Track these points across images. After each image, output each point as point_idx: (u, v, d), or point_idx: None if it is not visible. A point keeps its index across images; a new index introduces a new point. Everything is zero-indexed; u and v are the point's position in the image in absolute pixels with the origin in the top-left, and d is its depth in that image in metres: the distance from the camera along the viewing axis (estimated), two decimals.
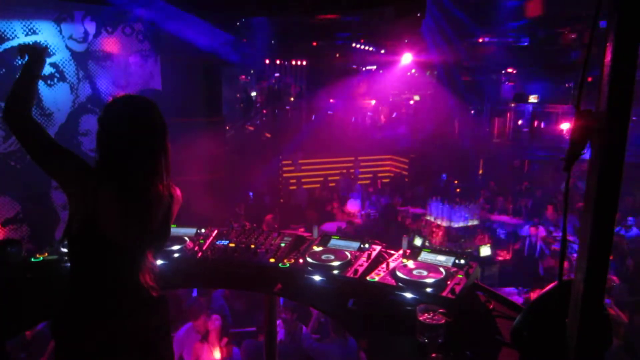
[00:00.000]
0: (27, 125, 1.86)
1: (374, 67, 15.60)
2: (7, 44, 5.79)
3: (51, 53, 6.09)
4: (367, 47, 14.68)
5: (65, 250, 2.53)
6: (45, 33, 6.01)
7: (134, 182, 1.85)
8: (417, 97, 16.19)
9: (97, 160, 1.85)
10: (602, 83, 1.26)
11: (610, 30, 1.22)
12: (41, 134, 1.85)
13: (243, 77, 15.11)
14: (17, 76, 1.98)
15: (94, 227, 1.80)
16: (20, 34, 5.84)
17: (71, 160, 1.81)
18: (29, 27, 5.89)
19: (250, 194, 10.97)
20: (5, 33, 5.75)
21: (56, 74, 6.18)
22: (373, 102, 16.05)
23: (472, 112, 14.14)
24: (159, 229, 1.99)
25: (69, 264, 1.93)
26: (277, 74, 15.06)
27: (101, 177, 1.81)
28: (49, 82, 6.13)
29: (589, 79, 1.44)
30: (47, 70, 6.11)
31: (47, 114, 6.16)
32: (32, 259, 2.56)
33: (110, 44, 6.54)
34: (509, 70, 14.70)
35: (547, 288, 1.74)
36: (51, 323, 1.96)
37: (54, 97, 6.19)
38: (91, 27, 6.34)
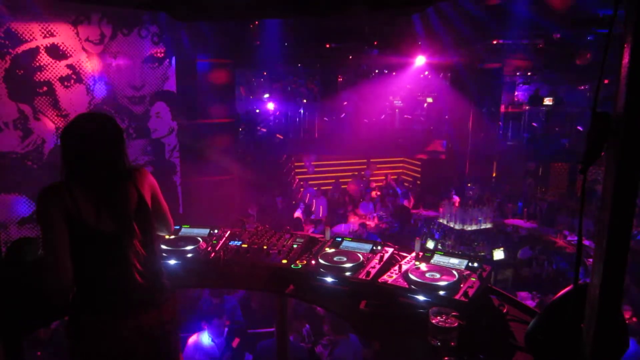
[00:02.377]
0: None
1: (387, 70, 15.54)
2: (26, 46, 5.89)
3: (68, 55, 6.18)
4: (380, 49, 14.63)
5: None
6: (63, 35, 6.10)
7: (100, 179, 2.01)
8: (429, 100, 16.09)
9: (64, 170, 1.99)
10: (619, 85, 1.25)
11: (628, 31, 1.21)
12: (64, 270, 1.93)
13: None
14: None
15: (80, 225, 1.94)
16: (38, 36, 5.93)
17: (61, 232, 1.92)
18: (47, 29, 5.99)
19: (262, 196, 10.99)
20: (23, 35, 5.84)
21: (72, 75, 6.27)
22: (397, 103, 15.95)
23: (486, 114, 14.01)
24: (137, 211, 2.08)
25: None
26: (291, 76, 15.09)
27: (71, 187, 1.96)
28: (65, 83, 6.22)
29: (606, 81, 1.43)
30: (64, 71, 6.20)
31: (63, 115, 6.25)
32: None
33: (126, 46, 6.61)
34: (524, 71, 14.55)
35: (563, 292, 1.72)
36: (64, 326, 2.03)
37: (70, 98, 6.28)
38: (107, 29, 6.42)
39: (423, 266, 2.39)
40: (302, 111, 14.74)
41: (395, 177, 14.51)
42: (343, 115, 15.21)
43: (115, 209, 2.02)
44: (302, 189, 12.73)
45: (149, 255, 2.11)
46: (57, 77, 6.16)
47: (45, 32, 5.97)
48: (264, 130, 14.50)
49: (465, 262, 2.41)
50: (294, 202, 11.96)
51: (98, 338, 1.98)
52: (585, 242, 7.41)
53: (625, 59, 1.22)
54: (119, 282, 2.02)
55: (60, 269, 1.88)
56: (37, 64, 6.00)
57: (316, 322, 5.35)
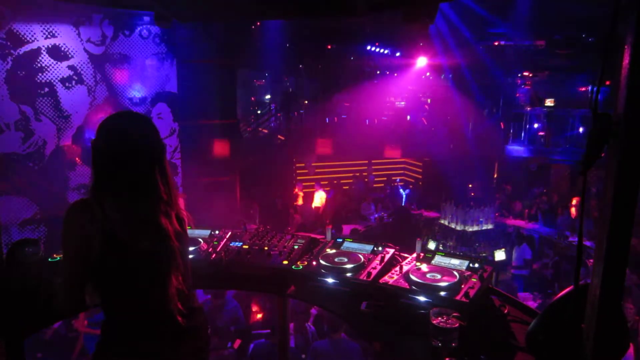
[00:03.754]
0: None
1: (388, 71, 15.57)
2: (27, 47, 5.91)
3: (69, 56, 6.20)
4: (381, 50, 14.66)
5: None
6: (64, 36, 6.11)
7: (137, 194, 1.77)
8: (428, 100, 16.11)
9: (94, 181, 1.74)
10: (619, 86, 1.25)
11: (628, 32, 1.21)
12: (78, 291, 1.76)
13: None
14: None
15: (114, 245, 1.70)
16: (39, 37, 5.94)
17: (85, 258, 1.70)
18: (49, 30, 6.00)
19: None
20: (25, 36, 5.86)
21: (74, 77, 6.28)
22: (399, 104, 15.95)
23: (487, 115, 14.02)
24: (177, 236, 1.85)
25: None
26: (292, 77, 15.11)
27: (103, 204, 1.71)
28: (67, 84, 6.23)
29: (607, 82, 1.43)
30: (65, 72, 6.21)
31: (65, 116, 6.26)
32: (50, 259, 2.60)
33: (127, 47, 6.62)
34: (525, 73, 14.56)
35: (563, 292, 1.72)
36: (94, 354, 1.88)
37: (72, 99, 6.29)
38: (109, 30, 6.43)
39: (424, 267, 2.39)
40: (302, 112, 14.74)
41: (401, 178, 14.53)
42: (344, 116, 15.22)
43: (156, 234, 1.77)
44: (314, 191, 12.59)
45: (189, 290, 1.93)
46: (59, 78, 6.17)
47: (46, 33, 5.98)
48: (266, 131, 14.52)
49: (466, 262, 2.41)
50: (295, 203, 11.95)
51: None
52: (586, 243, 7.40)
53: (626, 60, 1.22)
54: (160, 327, 1.83)
55: (70, 291, 1.74)
56: (39, 65, 6.01)
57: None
